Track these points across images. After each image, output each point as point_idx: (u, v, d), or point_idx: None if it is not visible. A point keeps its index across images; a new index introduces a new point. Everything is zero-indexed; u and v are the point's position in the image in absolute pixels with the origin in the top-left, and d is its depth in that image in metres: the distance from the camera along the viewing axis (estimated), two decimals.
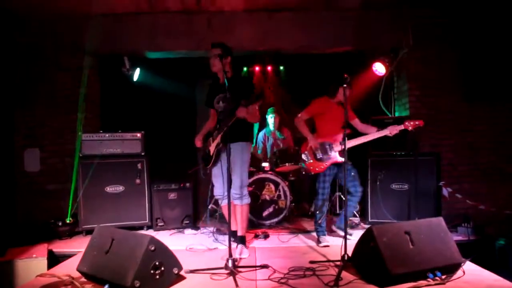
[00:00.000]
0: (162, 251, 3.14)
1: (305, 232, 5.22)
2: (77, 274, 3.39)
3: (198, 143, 4.51)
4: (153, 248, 3.05)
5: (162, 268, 3.10)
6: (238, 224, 4.26)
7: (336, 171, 4.67)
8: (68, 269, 3.63)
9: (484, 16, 5.78)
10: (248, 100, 3.71)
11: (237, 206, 4.21)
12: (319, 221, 4.66)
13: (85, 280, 3.34)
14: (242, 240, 4.26)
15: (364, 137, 4.57)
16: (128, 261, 3.01)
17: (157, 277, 3.06)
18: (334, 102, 4.66)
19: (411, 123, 4.34)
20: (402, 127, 4.37)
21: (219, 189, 4.33)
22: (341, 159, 4.49)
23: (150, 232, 5.38)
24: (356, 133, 4.69)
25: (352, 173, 4.61)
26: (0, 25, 5.74)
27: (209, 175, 4.46)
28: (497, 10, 5.64)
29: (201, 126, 7.56)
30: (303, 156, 4.74)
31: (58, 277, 3.42)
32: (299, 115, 4.71)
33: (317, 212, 4.67)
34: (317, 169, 4.62)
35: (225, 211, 4.41)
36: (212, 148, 4.26)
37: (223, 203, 4.37)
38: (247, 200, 4.26)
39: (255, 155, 6.65)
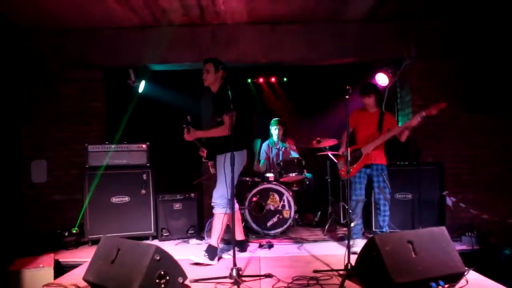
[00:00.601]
0: (167, 260, 3.17)
1: (309, 242, 5.24)
2: (83, 284, 3.42)
3: (203, 153, 4.68)
4: (158, 257, 3.08)
5: (167, 278, 3.12)
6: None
7: (369, 173, 4.78)
8: (74, 278, 3.67)
9: (486, 27, 5.83)
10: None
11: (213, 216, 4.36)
12: (353, 224, 4.77)
13: None
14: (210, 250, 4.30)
15: (383, 136, 4.66)
16: (133, 270, 3.04)
17: (162, 286, 3.08)
18: (365, 112, 4.91)
19: (433, 106, 4.32)
20: (424, 113, 4.37)
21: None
22: (370, 161, 4.70)
23: (155, 242, 5.36)
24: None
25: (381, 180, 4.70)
26: (6, 37, 5.85)
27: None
28: (499, 22, 5.69)
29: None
30: (338, 165, 5.08)
31: (64, 287, 3.46)
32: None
33: (352, 215, 4.78)
34: (353, 167, 4.78)
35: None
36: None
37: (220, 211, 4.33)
38: (224, 210, 4.28)
39: (254, 168, 6.70)
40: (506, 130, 5.98)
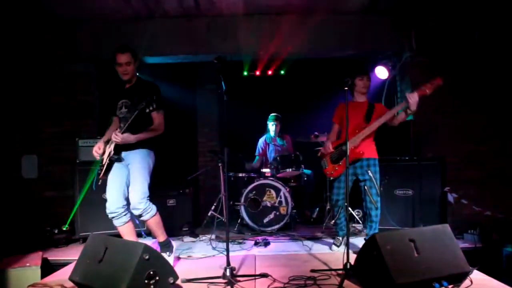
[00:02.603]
0: (156, 260, 3.02)
1: (307, 239, 5.09)
2: (69, 284, 3.27)
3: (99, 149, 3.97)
4: (147, 257, 2.92)
5: (157, 278, 2.97)
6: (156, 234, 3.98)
7: (354, 172, 4.37)
8: (61, 278, 3.52)
9: (489, 21, 5.70)
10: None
11: (146, 222, 3.93)
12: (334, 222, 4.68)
13: None
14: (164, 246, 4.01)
15: (378, 121, 4.19)
16: (121, 270, 2.89)
17: (152, 287, 2.94)
18: (351, 102, 4.46)
19: (428, 85, 3.88)
20: (417, 93, 3.90)
21: (113, 204, 3.85)
22: (358, 155, 4.24)
23: (149, 240, 5.27)
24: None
25: (368, 179, 4.31)
26: None
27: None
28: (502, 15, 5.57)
29: (202, 131, 7.63)
30: (322, 164, 4.56)
31: (50, 287, 3.31)
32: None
33: (337, 220, 4.61)
34: (332, 172, 4.42)
35: (122, 231, 3.98)
36: (105, 157, 3.87)
37: (119, 223, 3.92)
38: (153, 211, 3.86)
39: (247, 167, 6.54)
40: (507, 125, 5.83)
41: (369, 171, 4.30)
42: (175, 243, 5.02)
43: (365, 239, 4.46)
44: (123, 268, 2.89)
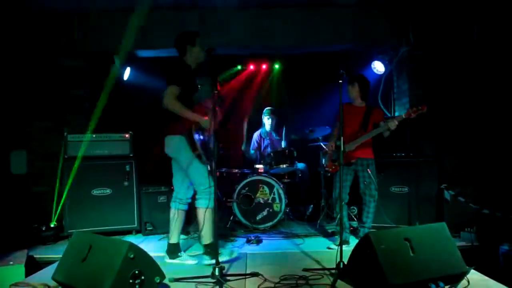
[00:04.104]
0: (142, 258, 2.90)
1: (300, 237, 4.98)
2: (53, 283, 3.16)
3: None
4: (132, 255, 2.81)
5: (142, 277, 2.86)
6: None
7: (354, 168, 4.63)
8: (45, 277, 3.38)
9: (489, 14, 5.59)
10: None
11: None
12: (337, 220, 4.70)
13: None
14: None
15: (366, 134, 4.49)
16: (105, 270, 2.78)
17: (137, 287, 2.83)
18: (351, 105, 4.75)
19: (413, 109, 4.15)
20: (403, 116, 4.23)
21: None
22: (351, 159, 4.54)
23: (139, 237, 5.17)
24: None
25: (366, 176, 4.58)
26: None
27: None
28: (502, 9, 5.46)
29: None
30: (323, 160, 4.88)
31: (33, 286, 3.20)
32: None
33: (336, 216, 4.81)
34: (333, 167, 4.66)
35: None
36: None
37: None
38: None
39: (246, 153, 6.44)
40: (506, 121, 5.72)
41: (368, 169, 4.56)
42: (165, 240, 4.95)
43: (358, 227, 4.89)
44: (106, 268, 2.78)
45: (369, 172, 4.54)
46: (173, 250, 4.01)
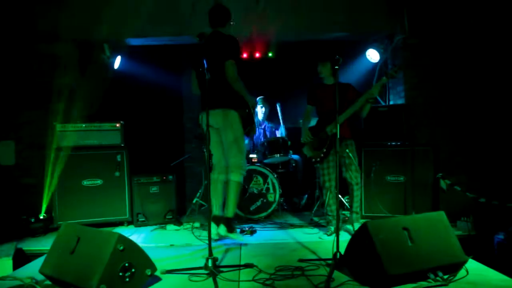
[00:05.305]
0: (132, 250, 2.81)
1: (295, 227, 4.92)
2: (41, 277, 3.06)
3: None
4: (121, 247, 2.72)
5: (133, 270, 2.77)
6: None
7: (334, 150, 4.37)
8: (34, 270, 3.28)
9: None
10: None
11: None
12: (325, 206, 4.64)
13: (50, 283, 3.01)
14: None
15: (342, 115, 4.25)
16: (93, 262, 2.69)
17: (127, 279, 2.74)
18: (321, 85, 4.59)
19: (392, 69, 4.20)
20: (383, 80, 4.23)
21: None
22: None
23: (131, 228, 5.08)
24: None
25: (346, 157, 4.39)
26: None
27: None
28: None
29: (189, 116, 7.38)
30: (305, 151, 4.67)
31: (20, 280, 3.09)
32: None
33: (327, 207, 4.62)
34: (318, 159, 4.49)
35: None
36: None
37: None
38: None
39: None
40: (501, 110, 5.67)
41: (347, 150, 4.37)
42: (157, 231, 4.87)
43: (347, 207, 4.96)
44: (95, 260, 2.69)
45: (348, 152, 4.35)
46: (231, 225, 4.18)
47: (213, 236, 3.94)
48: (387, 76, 4.19)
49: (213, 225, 4.06)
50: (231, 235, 4.08)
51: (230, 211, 4.15)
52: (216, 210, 4.18)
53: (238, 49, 4.03)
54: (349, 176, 4.38)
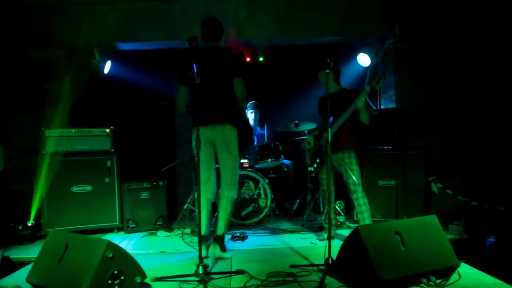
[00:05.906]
0: (121, 257, 2.77)
1: (287, 232, 4.89)
2: (28, 286, 3.00)
3: None
4: (111, 255, 2.67)
5: (122, 278, 2.73)
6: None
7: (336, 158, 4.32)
8: (20, 279, 3.22)
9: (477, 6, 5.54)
10: None
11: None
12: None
13: None
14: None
15: (342, 117, 4.17)
16: (82, 270, 2.64)
17: (116, 287, 2.69)
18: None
19: (375, 79, 4.03)
20: (367, 90, 4.06)
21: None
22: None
23: (121, 235, 5.02)
24: None
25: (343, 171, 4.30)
26: None
27: None
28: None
29: (181, 121, 7.32)
30: (305, 156, 4.79)
31: None
32: None
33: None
34: (313, 167, 4.40)
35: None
36: None
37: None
38: None
39: None
40: (494, 114, 5.69)
41: (342, 163, 4.26)
42: (148, 238, 4.81)
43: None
44: (83, 268, 2.64)
45: (345, 167, 4.25)
46: (224, 244, 4.00)
47: (210, 256, 3.81)
48: (370, 86, 4.05)
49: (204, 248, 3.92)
50: (224, 254, 3.84)
51: (224, 228, 3.96)
52: (204, 231, 3.91)
53: (244, 65, 3.93)
54: (348, 191, 4.31)
